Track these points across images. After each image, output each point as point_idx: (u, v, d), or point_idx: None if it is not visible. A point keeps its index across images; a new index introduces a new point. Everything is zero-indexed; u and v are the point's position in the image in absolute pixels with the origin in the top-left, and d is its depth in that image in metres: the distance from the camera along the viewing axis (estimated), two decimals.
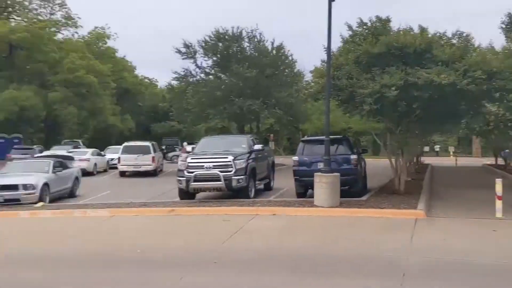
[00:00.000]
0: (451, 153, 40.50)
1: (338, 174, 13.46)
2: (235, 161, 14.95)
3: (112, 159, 30.22)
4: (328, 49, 13.93)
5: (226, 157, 15.08)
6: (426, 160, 36.20)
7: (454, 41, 14.45)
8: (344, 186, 14.15)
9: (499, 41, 21.73)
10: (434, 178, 24.18)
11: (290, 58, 32.03)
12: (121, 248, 9.48)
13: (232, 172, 14.79)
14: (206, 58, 31.51)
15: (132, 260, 8.62)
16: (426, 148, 42.33)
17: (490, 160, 34.28)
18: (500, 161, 31.75)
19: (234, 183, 14.78)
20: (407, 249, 8.77)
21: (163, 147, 43.95)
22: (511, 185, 16.63)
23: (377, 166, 23.69)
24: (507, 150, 30.24)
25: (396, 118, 15.04)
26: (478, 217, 11.81)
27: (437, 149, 51.47)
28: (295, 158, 15.66)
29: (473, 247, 9.04)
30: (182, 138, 48.67)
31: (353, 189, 14.93)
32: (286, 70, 32.03)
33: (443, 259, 8.23)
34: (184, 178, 14.99)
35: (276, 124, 38.94)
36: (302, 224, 11.43)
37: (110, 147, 36.03)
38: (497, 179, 12.25)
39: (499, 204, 11.76)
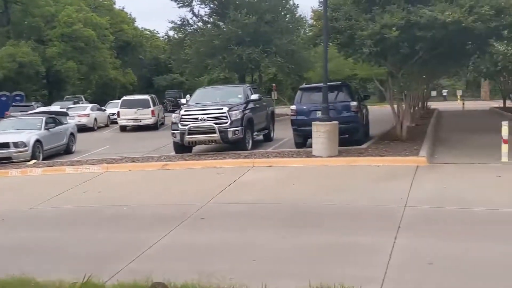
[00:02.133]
0: (459, 97, 39.29)
1: (336, 122, 12.89)
2: (230, 112, 14.41)
3: (113, 114, 29.83)
4: None
5: (221, 108, 14.55)
6: (433, 105, 35.34)
7: None
8: (344, 135, 13.64)
9: None
10: (440, 123, 23.52)
11: (290, 2, 30.79)
12: (109, 205, 9.15)
13: (227, 124, 14.28)
14: (203, 6, 30.44)
15: (118, 217, 8.30)
16: (434, 93, 41.16)
17: (498, 103, 33.34)
18: (509, 104, 30.83)
19: (230, 135, 14.30)
20: (404, 199, 8.32)
21: (165, 100, 43.43)
22: None
23: (383, 113, 23.03)
24: None
25: (398, 61, 14.27)
26: (483, 162, 11.26)
27: (445, 94, 50.12)
28: (293, 107, 15.07)
29: (475, 193, 8.59)
30: (186, 91, 47.96)
31: (353, 137, 14.38)
32: (287, 16, 30.84)
33: (443, 208, 7.82)
34: (179, 131, 14.52)
35: (279, 73, 37.98)
36: (298, 175, 11.00)
37: (111, 101, 35.57)
38: (503, 122, 11.64)
39: (505, 148, 11.20)
